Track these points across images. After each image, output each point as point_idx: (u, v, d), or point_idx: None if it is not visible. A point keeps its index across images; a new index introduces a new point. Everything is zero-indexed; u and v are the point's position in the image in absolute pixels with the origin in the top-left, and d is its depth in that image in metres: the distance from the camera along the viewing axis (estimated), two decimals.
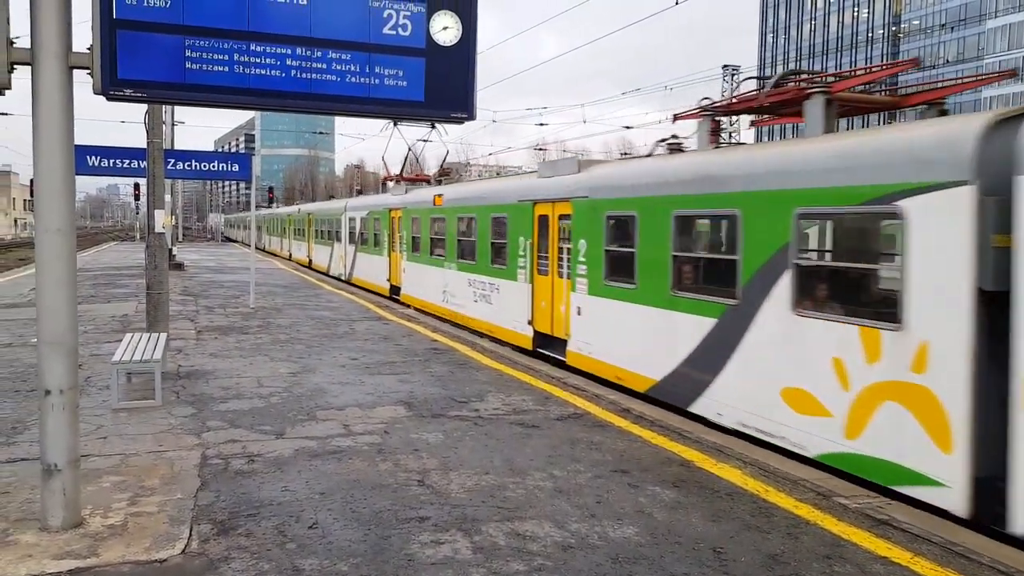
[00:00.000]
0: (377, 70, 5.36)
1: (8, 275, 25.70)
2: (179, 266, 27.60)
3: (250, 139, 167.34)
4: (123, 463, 5.93)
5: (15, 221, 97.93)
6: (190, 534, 4.61)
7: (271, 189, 47.16)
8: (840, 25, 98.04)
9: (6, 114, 37.35)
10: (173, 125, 29.19)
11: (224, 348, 11.29)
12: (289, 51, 5.12)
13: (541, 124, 65.40)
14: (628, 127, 59.92)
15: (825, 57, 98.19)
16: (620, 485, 5.59)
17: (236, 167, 16.18)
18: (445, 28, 5.48)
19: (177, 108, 27.89)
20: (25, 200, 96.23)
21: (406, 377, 9.35)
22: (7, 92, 4.74)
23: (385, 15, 5.37)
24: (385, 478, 5.65)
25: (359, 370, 9.75)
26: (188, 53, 4.85)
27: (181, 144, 39.07)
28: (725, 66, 59.06)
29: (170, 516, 4.89)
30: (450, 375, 9.54)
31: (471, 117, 5.60)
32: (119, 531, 4.65)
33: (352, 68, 5.30)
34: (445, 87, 5.47)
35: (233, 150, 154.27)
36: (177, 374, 9.29)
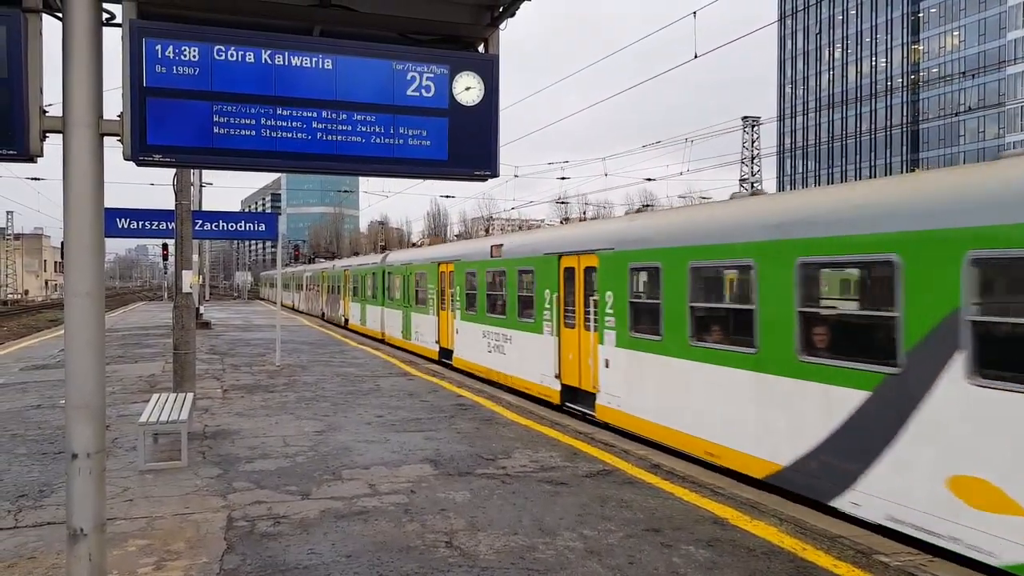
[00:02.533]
0: (401, 131, 5.43)
1: (38, 336, 26.14)
2: (206, 324, 27.91)
3: (276, 198, 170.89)
4: (149, 526, 5.88)
5: (46, 283, 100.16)
6: None
7: (297, 247, 47.87)
8: (859, 75, 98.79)
9: (38, 179, 38.44)
10: (201, 186, 29.95)
11: (250, 407, 11.29)
12: (315, 114, 5.20)
13: (563, 178, 66.01)
14: (649, 179, 60.34)
15: (845, 107, 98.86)
16: (653, 545, 5.42)
17: (263, 226, 16.46)
18: (468, 88, 5.56)
19: (205, 170, 28.62)
20: (56, 262, 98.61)
21: (432, 434, 9.26)
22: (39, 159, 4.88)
23: (409, 77, 5.47)
24: (412, 540, 5.54)
25: (385, 428, 9.68)
26: (216, 118, 4.95)
27: (209, 204, 39.96)
28: (745, 117, 59.59)
29: None
30: (476, 432, 9.43)
31: (494, 174, 5.64)
32: None
33: (377, 129, 5.37)
34: (468, 146, 5.52)
35: (260, 209, 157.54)
36: (203, 434, 9.29)
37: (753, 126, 59.69)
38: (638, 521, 5.95)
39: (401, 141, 5.42)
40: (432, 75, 5.51)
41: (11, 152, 4.53)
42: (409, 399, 11.97)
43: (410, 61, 5.37)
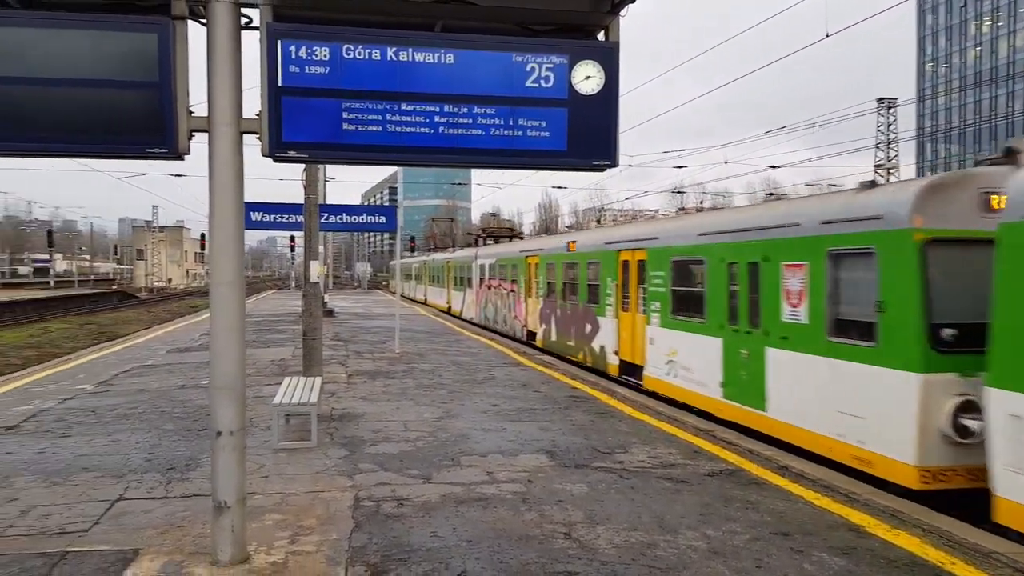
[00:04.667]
0: (520, 122, 5.44)
1: (182, 321, 28.25)
2: (330, 313, 29.24)
3: (394, 191, 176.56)
4: (283, 502, 6.22)
5: (187, 272, 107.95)
6: (345, 575, 4.73)
7: (412, 239, 49.28)
8: (1011, 50, 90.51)
9: (180, 175, 41.48)
10: (325, 181, 31.31)
11: (372, 392, 11.73)
12: (437, 108, 5.30)
13: (679, 167, 64.18)
14: (773, 167, 57.68)
15: (994, 86, 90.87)
16: (782, 549, 5.20)
17: (383, 219, 17.10)
18: (587, 77, 5.50)
19: (328, 165, 29.92)
20: (195, 253, 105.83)
21: (547, 425, 9.29)
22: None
23: (528, 68, 5.47)
24: (531, 529, 5.57)
25: (500, 417, 9.80)
26: (345, 115, 5.13)
27: (331, 199, 41.64)
28: (880, 99, 56.02)
29: (327, 556, 5.04)
30: (591, 424, 9.38)
31: (613, 164, 5.57)
32: (280, 569, 4.85)
33: (496, 122, 5.40)
34: (587, 136, 5.46)
35: (378, 202, 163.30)
36: (331, 416, 9.73)
37: (889, 108, 56.03)
38: (765, 524, 5.73)
39: (520, 132, 5.44)
40: (551, 65, 5.49)
41: (162, 150, 4.88)
42: (523, 389, 12.06)
43: (529, 52, 5.37)
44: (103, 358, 15.89)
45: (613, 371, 14.26)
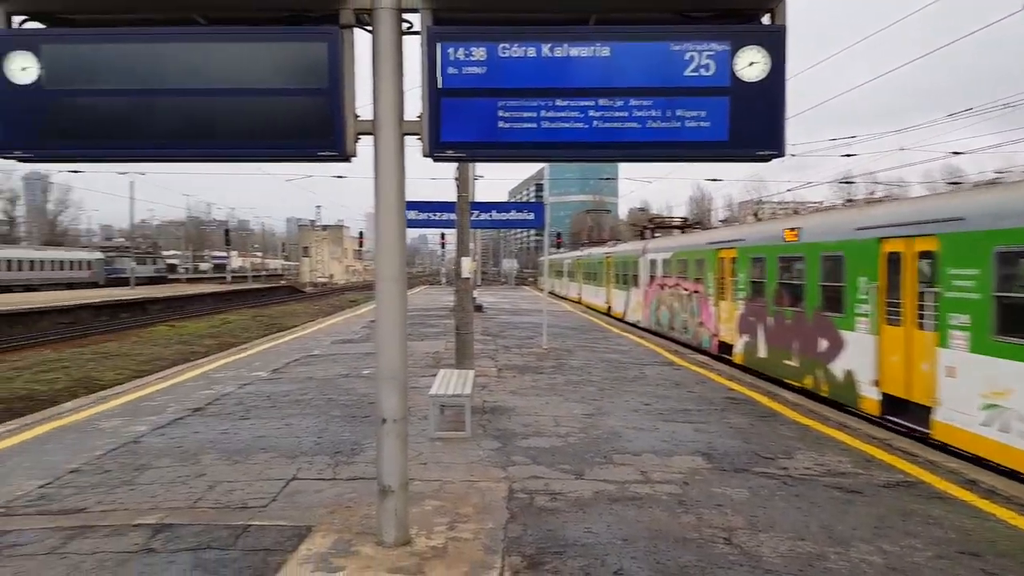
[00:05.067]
0: (679, 113, 5.27)
1: (342, 315, 30.03)
2: (479, 308, 30.01)
3: (539, 188, 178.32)
4: (441, 489, 6.43)
5: (346, 268, 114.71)
6: (502, 564, 4.81)
7: (559, 235, 49.55)
8: None
9: (342, 177, 44.19)
10: (474, 179, 32.16)
11: (522, 386, 11.89)
12: (592, 103, 5.23)
13: (847, 155, 60.01)
14: (956, 153, 52.55)
15: None
16: (971, 571, 4.73)
17: (531, 215, 17.28)
18: (752, 64, 5.23)
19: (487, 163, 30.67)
20: (354, 250, 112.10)
21: (702, 427, 9.00)
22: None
23: (686, 57, 5.28)
24: (688, 532, 5.42)
25: (652, 416, 9.62)
26: (501, 113, 5.18)
27: (479, 197, 42.59)
28: None
29: (484, 544, 5.16)
30: (751, 427, 8.99)
31: (780, 154, 5.27)
32: (441, 553, 5.01)
33: (653, 114, 5.27)
34: (751, 125, 5.20)
35: (524, 199, 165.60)
36: (483, 409, 9.96)
37: None
38: (950, 541, 5.23)
39: (678, 124, 5.26)
40: (711, 53, 5.27)
41: (332, 153, 5.17)
42: (676, 388, 11.77)
43: (688, 40, 5.19)
44: (274, 348, 17.20)
45: (870, 408, 10.68)
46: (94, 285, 65.10)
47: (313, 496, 6.23)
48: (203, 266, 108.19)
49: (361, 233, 75.71)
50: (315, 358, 15.22)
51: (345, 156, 5.15)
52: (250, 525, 5.54)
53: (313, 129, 5.02)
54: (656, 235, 27.86)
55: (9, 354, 23.16)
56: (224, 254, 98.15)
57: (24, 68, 4.65)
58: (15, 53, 4.62)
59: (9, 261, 58.11)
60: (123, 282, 63.53)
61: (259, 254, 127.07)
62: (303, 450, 7.74)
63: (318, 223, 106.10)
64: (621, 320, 27.69)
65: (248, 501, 6.09)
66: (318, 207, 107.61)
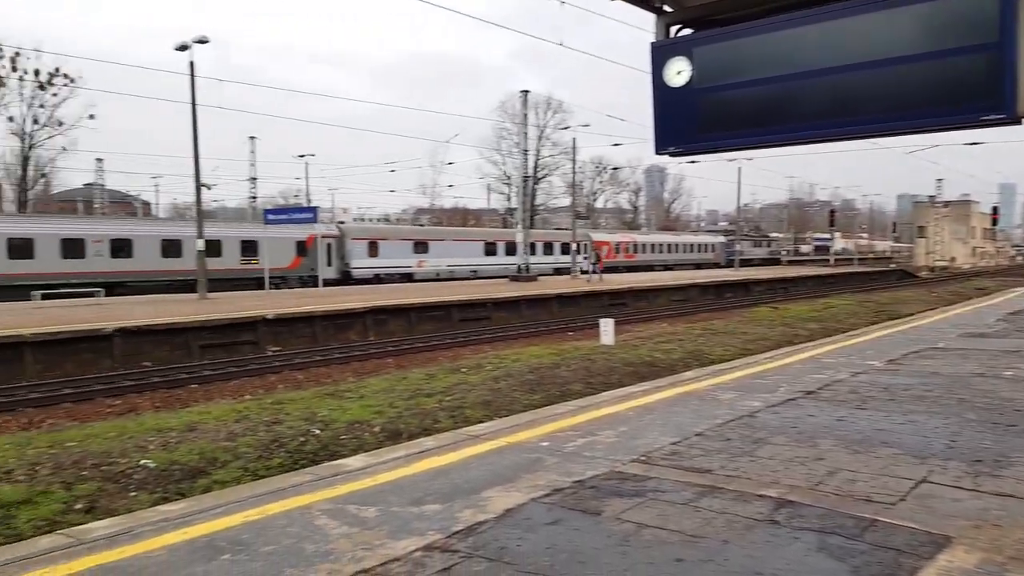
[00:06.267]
0: None
1: (968, 305, 26.28)
2: None
3: None
4: None
5: (972, 250, 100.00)
6: None
7: None
8: None
9: (976, 143, 38.36)
10: None
11: None
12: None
13: None
14: None
15: None
16: None
17: None
18: None
19: None
20: (983, 228, 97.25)
21: None
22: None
23: None
24: None
25: None
26: None
27: None
28: None
29: None
30: None
31: None
32: None
33: None
34: None
35: None
36: None
37: None
38: None
39: None
40: None
41: (999, 116, 4.40)
42: None
43: None
44: (887, 336, 16.08)
45: None
46: (715, 266, 72.96)
47: (950, 504, 5.54)
48: (803, 248, 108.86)
49: (995, 208, 64.97)
50: (939, 351, 13.65)
51: (1015, 118, 4.35)
52: (876, 520, 5.23)
53: (975, 91, 4.38)
54: None
55: (635, 325, 27.57)
56: (827, 235, 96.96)
57: (679, 72, 5.25)
58: (673, 59, 5.26)
59: (654, 244, 71.25)
60: (744, 263, 71.06)
61: (864, 235, 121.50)
62: (933, 452, 6.97)
63: (939, 199, 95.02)
64: None
65: (872, 495, 5.77)
66: (939, 180, 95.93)
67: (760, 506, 5.55)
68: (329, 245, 43.72)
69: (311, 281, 40.16)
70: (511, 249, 50.97)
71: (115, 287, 34.34)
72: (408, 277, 47.64)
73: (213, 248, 35.45)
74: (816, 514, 5.37)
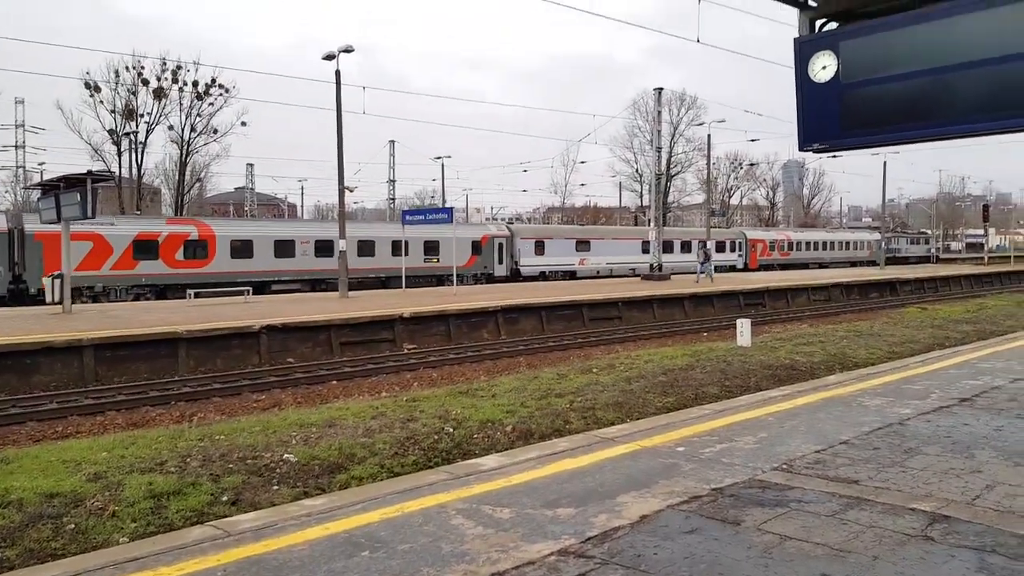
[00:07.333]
0: None
1: None
2: None
3: None
4: None
5: None
6: None
7: None
8: None
9: None
10: None
11: None
12: None
13: None
14: None
15: None
16: None
17: None
18: None
19: None
20: None
21: None
22: None
23: None
24: None
25: None
26: None
27: None
28: None
29: None
30: None
31: None
32: None
33: None
34: None
35: None
36: None
37: None
38: None
39: None
40: None
41: None
42: None
43: None
44: None
45: None
46: (872, 264, 69.02)
47: None
48: (954, 245, 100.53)
49: None
50: None
51: None
52: None
53: None
54: None
55: (773, 325, 26.35)
56: (980, 231, 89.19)
57: (824, 67, 5.08)
58: (819, 54, 5.09)
59: (808, 242, 69.18)
60: (900, 260, 66.99)
61: (1022, 231, 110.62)
62: None
63: None
64: None
65: None
66: None
67: (912, 520, 5.25)
68: (500, 244, 46.83)
69: (484, 278, 44.61)
70: (667, 247, 51.61)
71: (319, 283, 37.79)
72: (571, 275, 49.32)
73: (400, 249, 39.00)
74: (974, 531, 5.02)
